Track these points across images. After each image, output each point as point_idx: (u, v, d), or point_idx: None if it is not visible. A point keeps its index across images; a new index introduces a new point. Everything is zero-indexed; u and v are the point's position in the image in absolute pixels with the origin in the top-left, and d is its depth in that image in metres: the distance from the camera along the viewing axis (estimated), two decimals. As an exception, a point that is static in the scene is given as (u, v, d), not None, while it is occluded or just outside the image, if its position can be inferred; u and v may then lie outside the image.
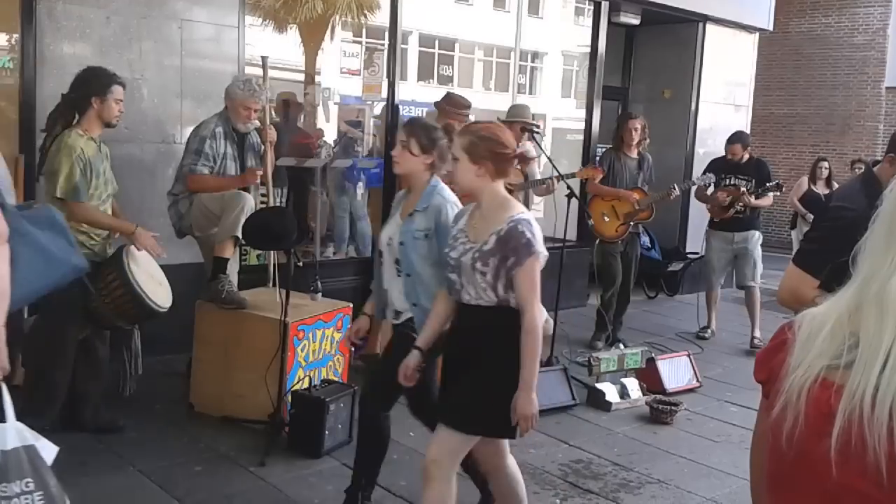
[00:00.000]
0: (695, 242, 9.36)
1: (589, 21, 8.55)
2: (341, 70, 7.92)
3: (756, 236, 7.18)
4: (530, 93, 10.05)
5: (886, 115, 14.65)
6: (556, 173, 6.10)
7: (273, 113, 5.04)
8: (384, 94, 7.03)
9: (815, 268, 2.44)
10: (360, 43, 7.98)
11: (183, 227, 4.80)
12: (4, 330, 2.54)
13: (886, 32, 14.38)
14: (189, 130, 5.01)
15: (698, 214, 9.27)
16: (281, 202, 6.44)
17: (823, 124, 14.91)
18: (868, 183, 2.66)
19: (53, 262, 2.82)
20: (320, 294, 5.00)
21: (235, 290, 4.63)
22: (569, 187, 5.92)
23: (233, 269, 4.77)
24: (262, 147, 5.02)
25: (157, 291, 4.18)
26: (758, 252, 7.19)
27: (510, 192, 6.06)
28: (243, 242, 4.72)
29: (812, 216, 9.41)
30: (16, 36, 5.08)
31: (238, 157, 4.85)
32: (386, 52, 7.01)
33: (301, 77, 7.81)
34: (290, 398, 4.36)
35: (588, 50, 8.49)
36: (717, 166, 7.24)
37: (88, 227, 4.02)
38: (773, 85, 14.60)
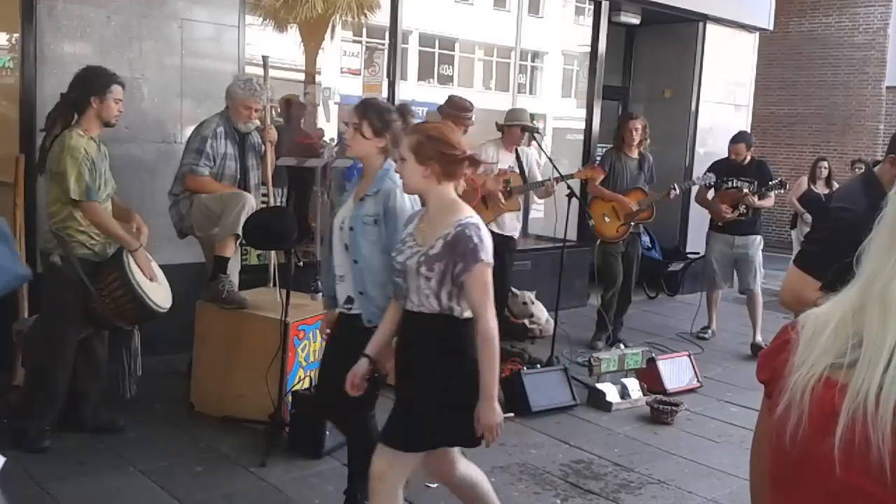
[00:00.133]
0: (695, 242, 9.35)
1: (589, 21, 8.55)
2: (342, 70, 7.93)
3: (757, 241, 7.12)
4: (530, 92, 10.05)
5: (887, 115, 14.65)
6: (556, 174, 6.11)
7: (274, 113, 5.03)
8: (384, 93, 7.02)
9: (817, 269, 2.44)
10: (360, 42, 7.99)
11: (184, 228, 4.80)
12: None
13: (887, 32, 14.37)
14: (189, 130, 5.01)
15: (699, 215, 9.26)
16: (281, 202, 6.44)
17: (824, 124, 14.90)
18: (868, 183, 2.65)
19: None
20: (321, 294, 4.99)
21: (236, 290, 4.63)
22: (569, 187, 5.92)
23: (234, 270, 4.76)
24: (263, 147, 5.01)
25: (157, 292, 4.18)
26: (759, 257, 7.12)
27: (510, 193, 6.14)
28: (244, 242, 4.72)
29: (810, 216, 9.42)
30: (16, 35, 5.08)
31: (239, 156, 4.84)
32: (386, 52, 7.01)
33: (301, 77, 7.81)
34: (290, 398, 4.36)
35: (588, 49, 8.49)
36: (719, 168, 7.18)
37: (88, 227, 4.02)
38: (774, 85, 14.60)
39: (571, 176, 6.21)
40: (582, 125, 8.61)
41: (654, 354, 5.76)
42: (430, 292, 2.66)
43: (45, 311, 4.17)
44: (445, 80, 9.73)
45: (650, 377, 5.56)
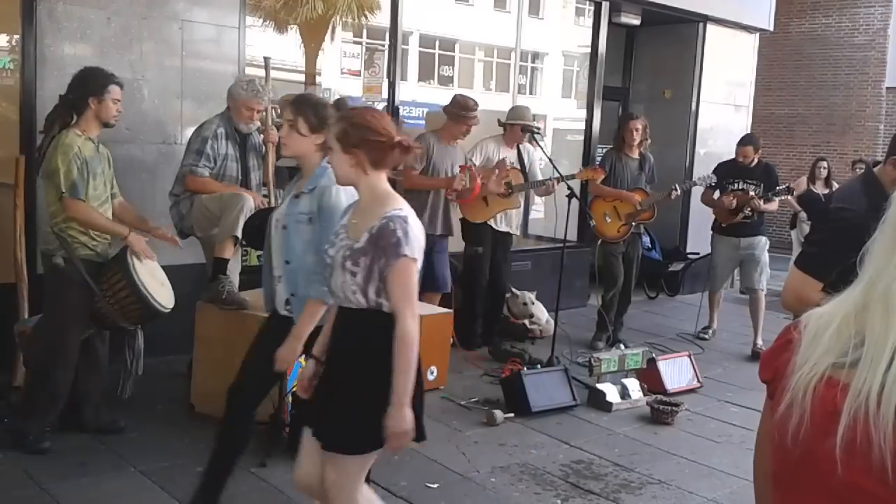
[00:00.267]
0: (695, 243, 9.36)
1: (589, 21, 8.55)
2: (342, 71, 7.92)
3: (763, 242, 7.04)
4: (531, 93, 10.04)
5: (887, 116, 14.65)
6: (556, 174, 6.12)
7: (274, 114, 5.03)
8: (385, 94, 7.03)
9: (818, 270, 2.44)
10: (360, 43, 7.98)
11: (185, 228, 4.80)
12: None
13: (887, 32, 14.38)
14: (190, 131, 5.01)
15: (699, 215, 9.27)
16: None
17: (824, 124, 14.90)
18: (868, 183, 2.65)
19: None
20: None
21: (236, 291, 4.63)
22: (569, 188, 5.93)
23: (234, 270, 4.76)
24: (264, 148, 5.02)
25: (161, 292, 4.18)
26: (765, 257, 7.05)
27: (510, 191, 6.15)
28: (244, 243, 4.72)
29: (806, 214, 9.41)
30: (16, 37, 5.09)
31: (240, 157, 4.85)
32: (386, 53, 7.01)
33: (302, 78, 7.80)
34: (290, 399, 4.35)
35: (588, 50, 8.50)
36: (725, 170, 7.11)
37: (99, 232, 4.04)
38: (774, 85, 14.61)
39: (572, 176, 6.22)
40: (582, 126, 8.61)
41: (654, 355, 5.76)
42: (356, 287, 2.53)
43: (48, 313, 4.17)
44: (446, 80, 9.71)
45: (650, 377, 5.56)
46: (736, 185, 6.97)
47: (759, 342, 6.84)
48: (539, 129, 6.82)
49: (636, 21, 8.80)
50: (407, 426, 2.49)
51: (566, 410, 5.17)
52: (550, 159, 6.37)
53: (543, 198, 7.19)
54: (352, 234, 2.59)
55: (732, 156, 7.15)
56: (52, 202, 4.00)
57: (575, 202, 5.94)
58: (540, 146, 6.64)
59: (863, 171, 2.83)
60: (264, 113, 4.93)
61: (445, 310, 5.71)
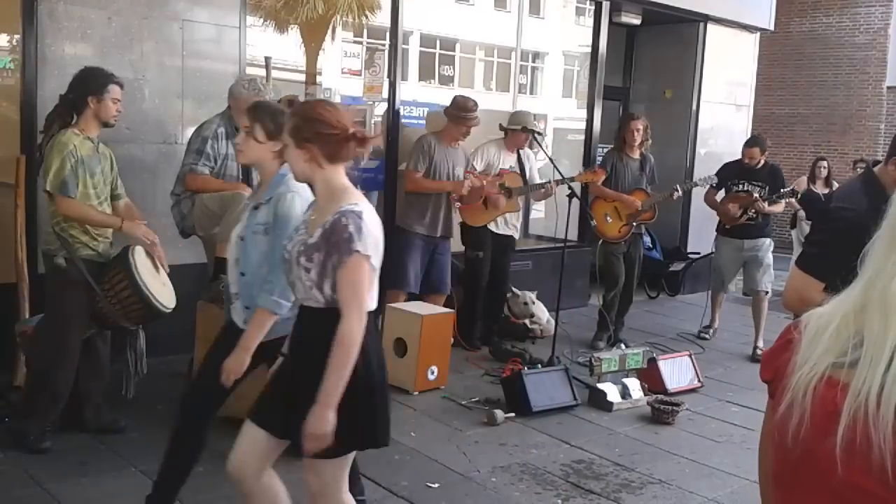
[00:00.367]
0: (696, 243, 9.36)
1: (590, 21, 8.55)
2: (342, 70, 7.91)
3: (767, 243, 6.97)
4: (531, 93, 10.04)
5: (888, 115, 14.65)
6: (556, 177, 6.13)
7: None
8: (385, 94, 7.03)
9: (819, 270, 2.44)
10: (360, 43, 7.97)
11: (186, 228, 4.80)
12: None
13: (887, 32, 14.37)
14: (190, 131, 5.01)
15: (700, 215, 9.27)
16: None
17: (825, 124, 14.90)
18: (868, 183, 2.65)
19: None
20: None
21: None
22: (570, 188, 5.93)
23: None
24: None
25: (162, 292, 4.18)
26: (769, 259, 6.98)
27: (510, 193, 6.15)
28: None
29: (805, 213, 9.40)
30: (17, 36, 5.08)
31: (240, 157, 4.84)
32: (387, 53, 7.01)
33: (302, 77, 7.80)
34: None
35: (589, 50, 8.49)
36: (730, 170, 7.06)
37: (91, 228, 4.03)
38: (775, 85, 14.61)
39: (572, 179, 6.23)
40: (583, 126, 8.61)
41: (654, 354, 5.76)
42: (311, 284, 2.47)
43: (49, 313, 4.17)
44: (446, 80, 9.71)
45: (651, 377, 5.56)
46: (741, 186, 6.91)
47: (760, 343, 6.80)
48: (542, 132, 6.83)
49: (637, 21, 8.80)
50: (326, 429, 2.39)
51: (567, 410, 5.17)
52: (552, 160, 6.38)
53: (542, 200, 7.19)
54: (310, 229, 2.53)
55: (733, 155, 7.14)
56: (51, 202, 4.00)
57: (575, 202, 5.95)
58: (542, 147, 6.65)
59: (863, 170, 2.82)
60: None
61: (447, 310, 5.72)
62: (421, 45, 9.49)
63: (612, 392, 5.30)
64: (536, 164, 6.65)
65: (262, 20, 6.91)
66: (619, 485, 4.15)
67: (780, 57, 14.50)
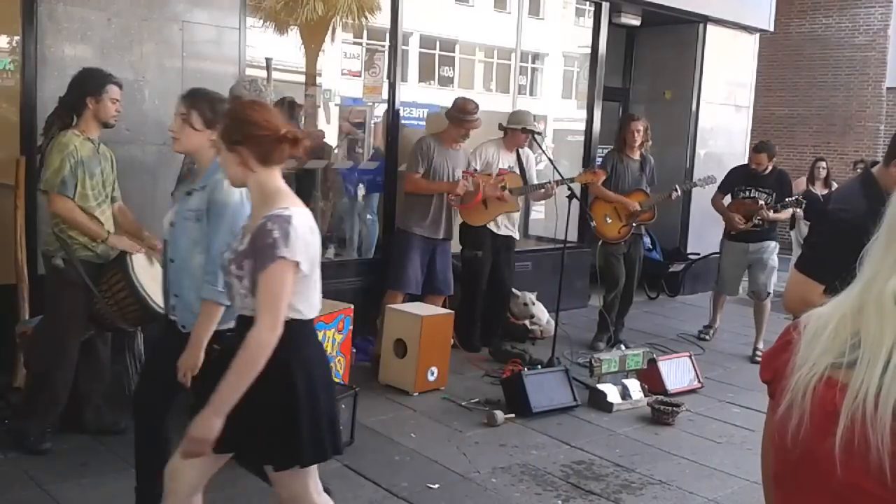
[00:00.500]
0: (696, 243, 9.36)
1: (589, 22, 8.55)
2: (342, 71, 7.92)
3: (772, 246, 6.92)
4: (531, 94, 10.06)
5: (887, 116, 14.65)
6: (556, 177, 6.13)
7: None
8: (385, 95, 7.03)
9: (818, 273, 2.44)
10: (360, 44, 7.98)
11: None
12: None
13: (887, 33, 14.38)
14: (190, 132, 5.00)
15: (700, 216, 9.28)
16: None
17: (824, 125, 14.91)
18: (867, 184, 2.65)
19: None
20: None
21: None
22: (570, 188, 5.93)
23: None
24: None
25: (159, 293, 4.18)
26: (773, 260, 6.93)
27: (509, 194, 6.15)
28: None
29: (802, 213, 9.37)
30: (17, 38, 5.08)
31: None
32: (387, 54, 7.01)
33: (302, 78, 7.81)
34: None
35: (589, 51, 8.49)
36: (737, 175, 7.01)
37: (81, 232, 4.03)
38: (774, 86, 14.61)
39: (572, 179, 6.23)
40: (582, 126, 8.61)
41: (654, 355, 5.76)
42: (245, 292, 2.39)
43: (48, 314, 4.18)
44: (446, 81, 9.73)
45: (651, 378, 5.56)
46: (747, 192, 6.85)
47: (760, 345, 6.78)
48: (541, 132, 6.84)
49: (636, 22, 8.81)
50: (209, 435, 2.28)
51: (567, 411, 5.17)
52: (551, 160, 6.38)
53: (543, 201, 7.19)
54: (244, 236, 2.46)
55: (732, 155, 7.12)
56: (47, 201, 4.00)
57: (575, 203, 5.95)
58: (541, 148, 6.65)
59: (861, 172, 2.82)
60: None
61: (447, 311, 5.72)
62: (421, 47, 9.50)
63: (612, 393, 5.30)
64: (536, 163, 6.64)
65: (262, 21, 6.92)
66: (620, 485, 4.15)
67: (780, 58, 14.51)
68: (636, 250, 6.91)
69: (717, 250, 7.74)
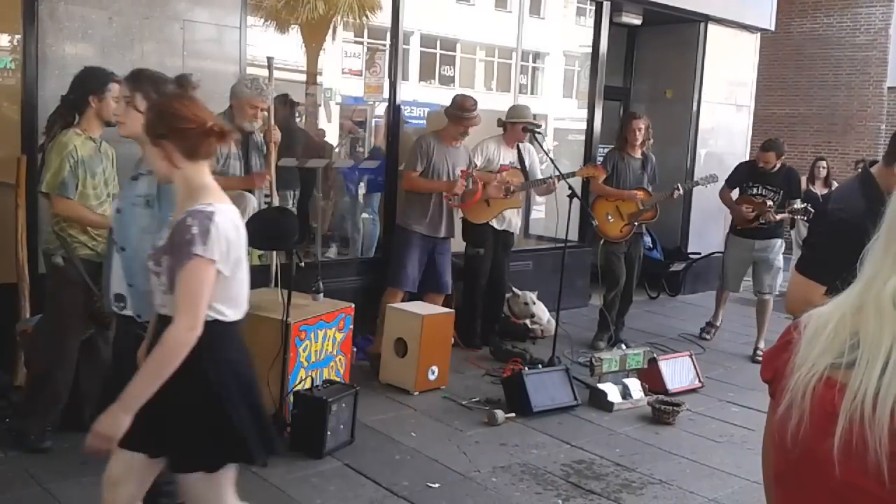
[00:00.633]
0: (697, 243, 9.36)
1: (590, 21, 8.54)
2: (343, 70, 7.93)
3: (778, 245, 6.90)
4: (532, 93, 10.05)
5: (888, 115, 14.65)
6: (557, 173, 6.12)
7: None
8: (386, 94, 7.03)
9: (819, 274, 2.43)
10: (361, 43, 7.99)
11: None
12: None
13: (888, 32, 14.37)
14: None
15: (700, 215, 9.28)
16: (292, 204, 6.45)
17: (825, 124, 14.90)
18: (866, 184, 2.63)
19: None
20: (322, 294, 5.00)
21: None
22: (570, 187, 5.93)
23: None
24: (266, 147, 5.02)
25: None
26: (779, 260, 6.92)
27: (511, 191, 6.15)
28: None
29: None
30: (18, 37, 5.08)
31: (242, 156, 4.86)
32: (387, 53, 7.01)
33: (303, 77, 7.81)
34: (291, 398, 4.36)
35: (590, 50, 8.49)
36: (744, 172, 6.99)
37: (91, 228, 4.03)
38: (775, 85, 14.60)
39: (573, 174, 6.23)
40: (583, 126, 8.61)
41: (655, 355, 5.76)
42: (164, 289, 2.32)
43: (48, 312, 4.18)
44: (447, 80, 9.74)
45: (652, 377, 5.56)
46: (755, 189, 6.83)
47: (761, 345, 6.78)
48: (540, 127, 6.83)
49: (637, 21, 8.80)
50: (114, 432, 2.22)
51: (567, 410, 5.17)
52: (551, 158, 6.38)
53: (544, 197, 7.18)
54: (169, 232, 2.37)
55: (733, 155, 7.12)
56: (49, 202, 4.00)
57: (576, 202, 5.94)
58: (541, 145, 6.65)
59: (859, 172, 2.81)
60: (266, 112, 4.94)
61: (447, 310, 5.72)
62: (421, 46, 9.50)
63: (612, 392, 5.30)
64: (537, 157, 6.63)
65: (262, 20, 6.92)
66: (620, 485, 4.15)
67: (781, 57, 14.50)
68: (636, 249, 6.90)
69: (718, 249, 7.76)
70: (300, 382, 4.50)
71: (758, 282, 6.99)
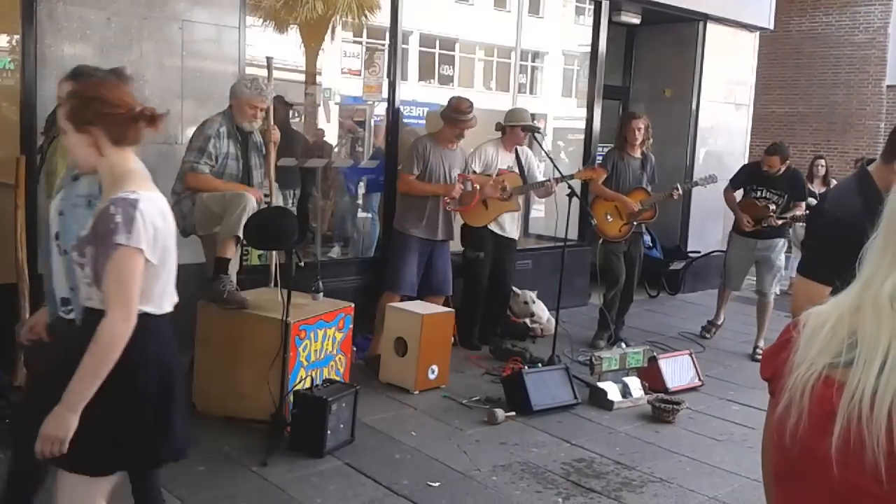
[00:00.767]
0: (696, 241, 9.37)
1: (589, 20, 8.55)
2: (342, 70, 7.93)
3: (780, 244, 6.91)
4: (531, 92, 10.05)
5: (887, 114, 14.66)
6: (556, 174, 6.12)
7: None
8: (385, 94, 7.03)
9: (822, 275, 2.43)
10: (360, 43, 7.99)
11: (187, 227, 4.80)
12: None
13: (887, 31, 14.40)
14: (190, 131, 5.01)
15: (700, 214, 9.29)
16: (292, 204, 6.45)
17: (824, 123, 14.92)
18: (863, 182, 2.62)
19: None
20: (321, 294, 5.00)
21: (237, 290, 4.63)
22: (570, 187, 5.93)
23: (232, 270, 4.77)
24: (265, 147, 5.03)
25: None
26: (781, 260, 6.93)
27: (509, 195, 6.14)
28: (245, 243, 4.72)
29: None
30: (16, 37, 5.09)
31: (241, 156, 4.85)
32: (386, 53, 7.01)
33: (302, 77, 7.82)
34: (291, 398, 4.36)
35: (589, 49, 8.49)
36: (748, 174, 6.98)
37: None
38: (774, 84, 14.61)
39: (572, 176, 6.22)
40: (582, 125, 8.61)
41: (655, 353, 5.76)
42: (88, 280, 2.24)
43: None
44: (446, 80, 9.74)
45: (651, 376, 5.56)
46: (759, 192, 6.82)
47: (761, 343, 6.78)
48: (540, 129, 6.83)
49: (636, 20, 8.81)
50: (63, 434, 2.15)
51: (567, 409, 5.17)
52: (551, 159, 6.37)
53: (544, 198, 7.18)
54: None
55: (733, 154, 7.11)
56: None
57: (575, 201, 5.94)
58: (541, 146, 6.64)
59: (857, 170, 2.81)
60: (266, 112, 4.94)
61: (447, 309, 5.72)
62: (420, 45, 9.50)
63: (612, 391, 5.30)
64: (536, 160, 6.62)
65: (261, 20, 6.93)
66: (620, 483, 4.15)
67: (780, 56, 14.51)
68: (636, 248, 6.90)
69: (717, 248, 7.76)
70: (300, 382, 4.50)
71: (759, 281, 6.99)
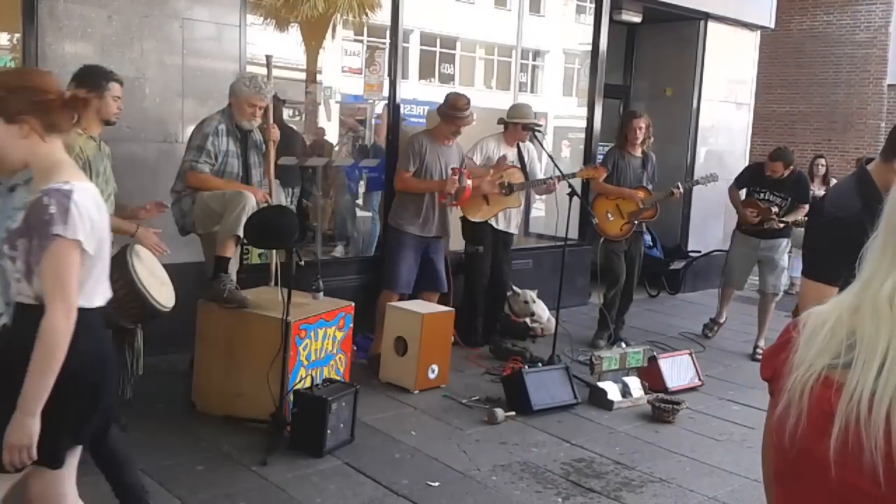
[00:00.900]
0: (696, 241, 9.36)
1: (590, 19, 8.54)
2: (343, 69, 7.94)
3: (783, 244, 6.88)
4: (532, 91, 10.06)
5: (888, 113, 14.65)
6: (557, 173, 6.11)
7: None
8: (385, 92, 7.03)
9: (826, 275, 2.42)
10: (361, 42, 8.00)
11: (186, 225, 4.81)
12: None
13: (888, 30, 14.38)
14: (191, 129, 5.01)
15: (700, 213, 9.29)
16: (291, 202, 6.45)
17: (825, 122, 14.91)
18: (862, 182, 2.62)
19: None
20: (322, 293, 5.00)
21: (237, 290, 4.63)
22: (570, 186, 5.92)
23: (232, 269, 4.77)
24: (265, 146, 5.02)
25: (161, 291, 4.17)
26: (784, 260, 6.92)
27: (511, 189, 6.14)
28: (245, 242, 4.72)
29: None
30: (17, 35, 5.09)
31: (241, 154, 4.85)
32: (387, 51, 7.01)
33: (302, 76, 7.82)
34: (291, 397, 4.36)
35: (589, 48, 8.49)
36: (752, 175, 6.97)
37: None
38: (775, 83, 14.60)
39: (573, 175, 6.21)
40: (583, 124, 8.61)
41: (655, 353, 5.76)
42: (19, 275, 2.17)
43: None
44: (447, 78, 9.75)
45: (651, 375, 5.56)
46: (763, 195, 6.82)
47: (761, 343, 6.78)
48: (541, 126, 6.82)
49: (637, 19, 8.80)
50: (28, 440, 2.12)
51: (567, 409, 5.17)
52: (551, 157, 6.37)
53: (544, 196, 7.17)
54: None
55: (733, 154, 7.10)
56: None
57: (576, 200, 5.93)
58: (541, 144, 6.63)
59: (856, 169, 2.80)
60: (266, 111, 4.94)
61: (447, 308, 5.72)
62: (421, 44, 9.51)
63: (612, 390, 5.30)
64: (537, 157, 6.61)
65: (262, 18, 6.94)
66: (620, 483, 4.15)
67: (781, 55, 14.50)
68: (636, 248, 6.90)
69: (718, 247, 7.76)
70: (300, 381, 4.50)
71: (762, 281, 6.98)
